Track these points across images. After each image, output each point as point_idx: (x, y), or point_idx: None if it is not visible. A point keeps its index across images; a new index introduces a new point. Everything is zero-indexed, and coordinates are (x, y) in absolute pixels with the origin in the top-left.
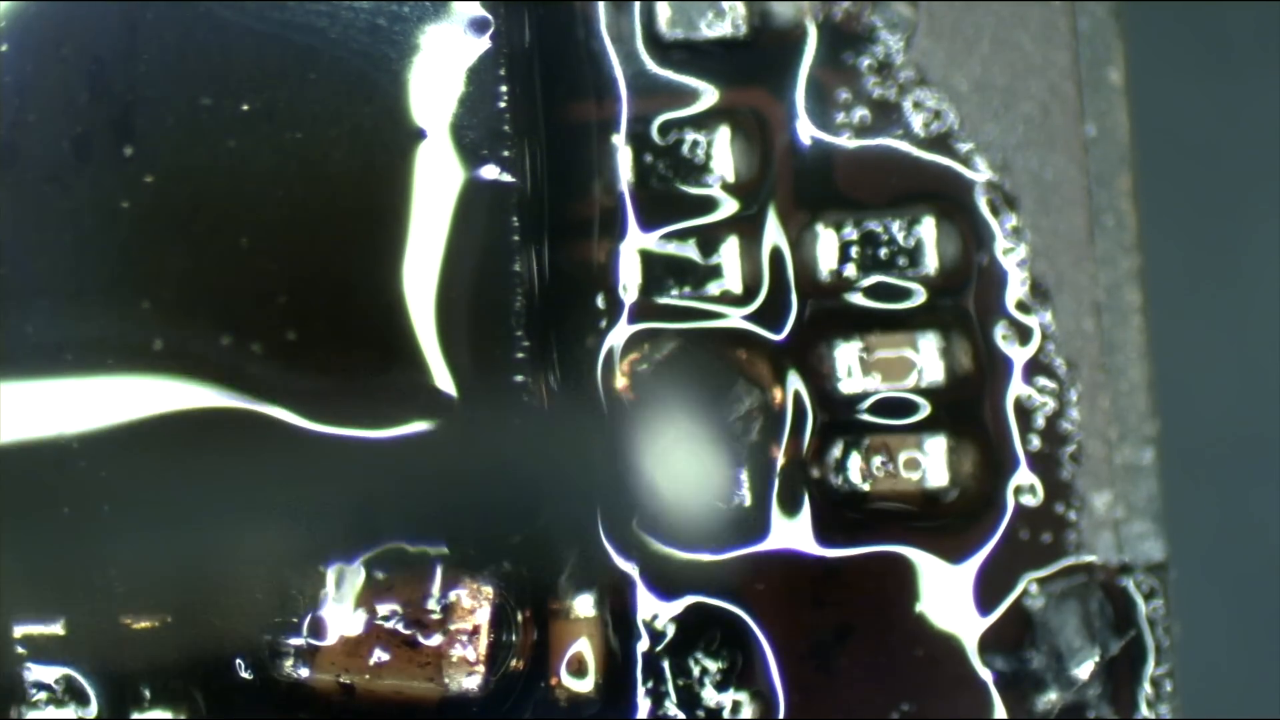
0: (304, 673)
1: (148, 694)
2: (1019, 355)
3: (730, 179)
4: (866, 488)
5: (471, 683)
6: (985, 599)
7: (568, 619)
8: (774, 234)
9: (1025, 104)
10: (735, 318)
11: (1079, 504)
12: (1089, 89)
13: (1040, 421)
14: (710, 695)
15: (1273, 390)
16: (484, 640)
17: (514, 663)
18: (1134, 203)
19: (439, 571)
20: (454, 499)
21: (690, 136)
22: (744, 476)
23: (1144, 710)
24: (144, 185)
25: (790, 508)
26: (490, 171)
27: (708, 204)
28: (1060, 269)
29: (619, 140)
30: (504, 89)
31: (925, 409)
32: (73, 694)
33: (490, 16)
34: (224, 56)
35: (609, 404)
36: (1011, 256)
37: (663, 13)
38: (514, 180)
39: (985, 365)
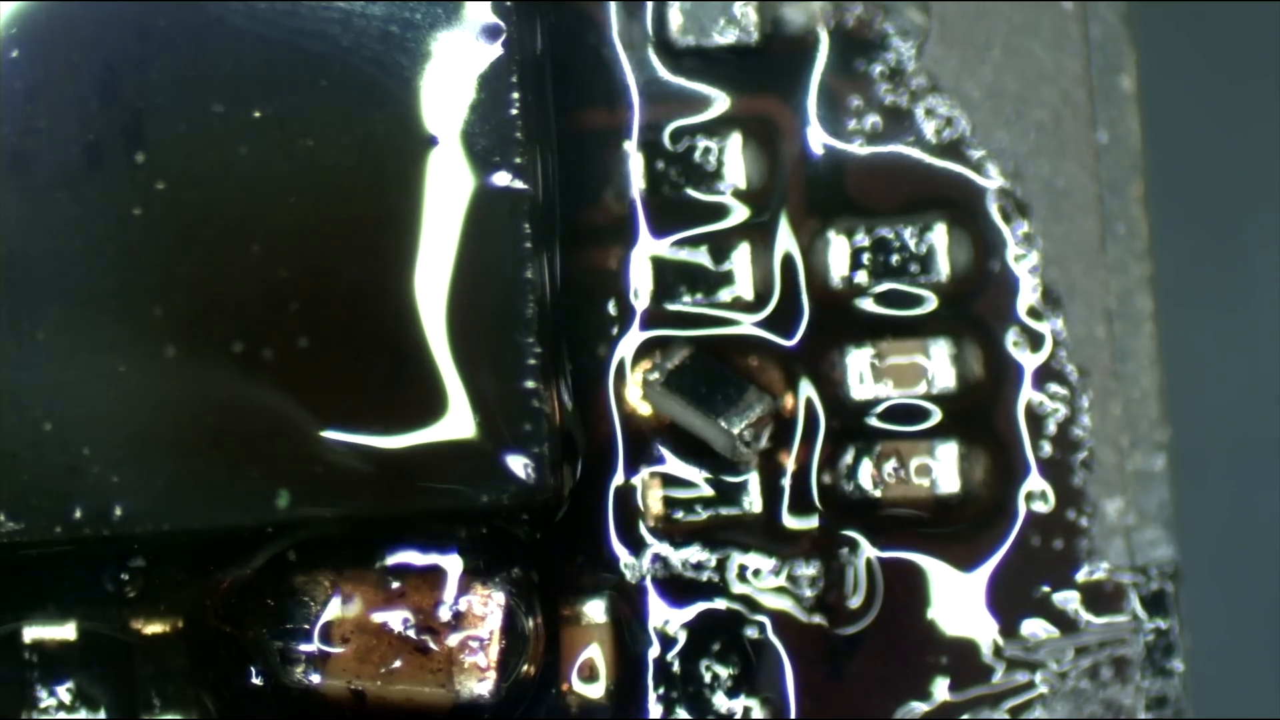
0: (315, 679)
1: (158, 700)
2: (1030, 362)
3: (742, 186)
4: (878, 494)
5: (483, 689)
6: (997, 606)
7: (579, 625)
8: (786, 240)
9: (1037, 111)
10: (747, 324)
11: (1090, 510)
12: (1100, 96)
13: (1052, 428)
14: (721, 701)
15: None
16: (495, 646)
17: (525, 669)
18: (1145, 210)
19: (450, 578)
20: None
21: (702, 143)
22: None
23: (1155, 713)
24: (155, 192)
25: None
26: (502, 178)
27: (719, 211)
28: (1072, 276)
29: (631, 147)
30: (516, 96)
31: (937, 415)
32: (83, 699)
33: (502, 23)
34: (235, 63)
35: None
36: (1023, 263)
37: (674, 19)
38: (526, 187)
39: (996, 372)
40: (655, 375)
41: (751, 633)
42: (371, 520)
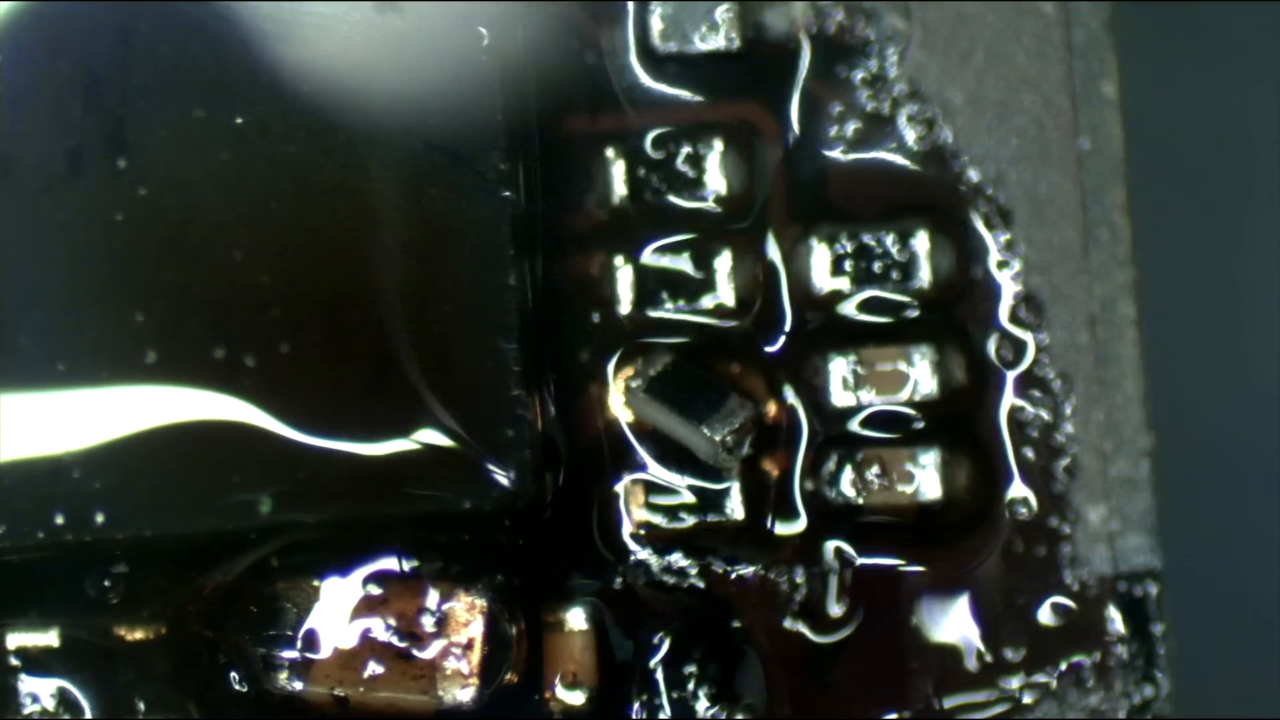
0: (298, 685)
1: (141, 706)
2: (1013, 368)
3: (724, 192)
4: (860, 501)
5: (465, 695)
6: (980, 613)
7: (561, 631)
8: (768, 247)
9: (1019, 117)
10: (729, 331)
11: (1074, 517)
12: (1083, 102)
13: (1034, 435)
14: (704, 707)
15: (1268, 403)
16: (478, 653)
17: (508, 675)
18: (1128, 216)
19: (433, 585)
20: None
21: (684, 149)
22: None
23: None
24: (138, 198)
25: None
26: (484, 185)
27: (701, 217)
28: (1055, 282)
29: (613, 154)
30: (498, 102)
31: (919, 422)
32: (66, 706)
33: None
34: (218, 69)
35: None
36: (1005, 270)
37: (656, 25)
38: (508, 194)
39: (979, 379)
40: (637, 382)
41: (733, 640)
42: (353, 526)
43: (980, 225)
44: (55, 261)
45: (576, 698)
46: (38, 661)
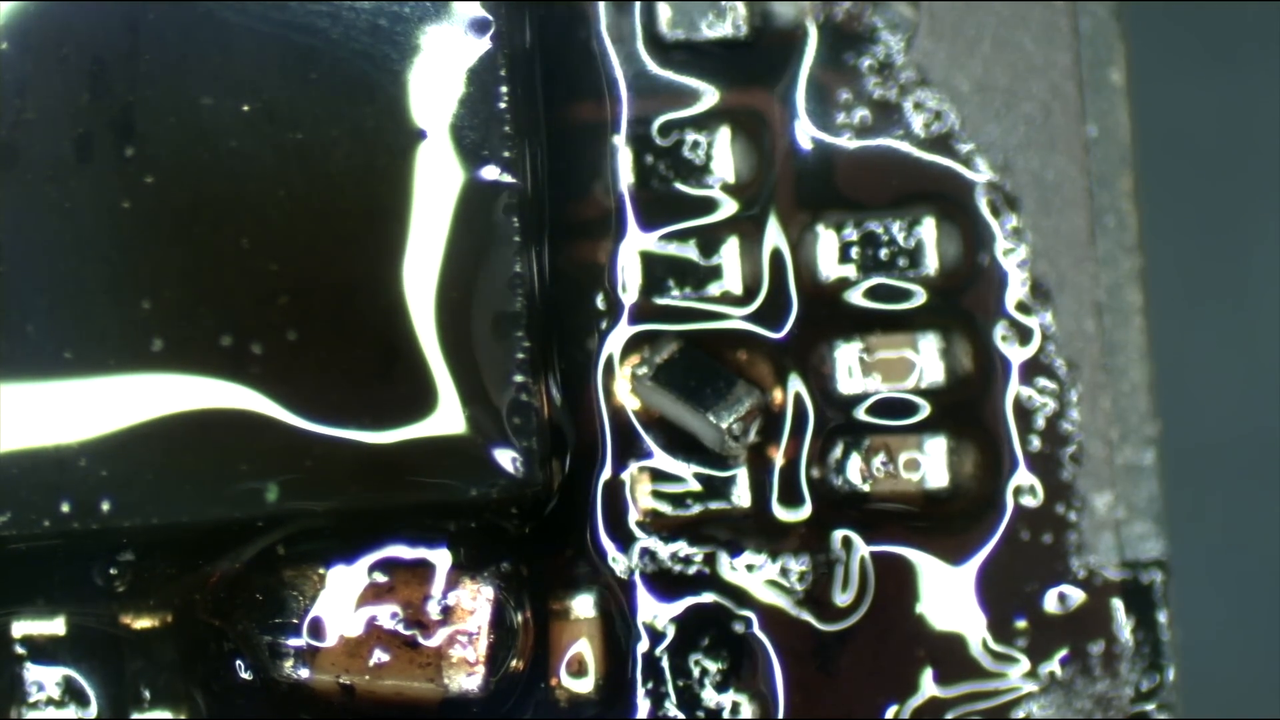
0: (304, 673)
1: (148, 694)
2: (1019, 356)
3: (731, 179)
4: (866, 488)
5: (471, 683)
6: (986, 600)
7: (568, 619)
8: (774, 235)
9: (1026, 104)
10: (736, 319)
11: (1080, 505)
12: (1090, 89)
13: (1041, 422)
14: (710, 696)
15: (1274, 391)
16: (484, 641)
17: (514, 663)
18: (1135, 203)
19: (439, 572)
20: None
21: (691, 137)
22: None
23: (1143, 709)
24: (145, 186)
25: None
26: (491, 172)
27: (708, 205)
28: (1061, 270)
29: (619, 141)
30: (504, 89)
31: (925, 410)
32: (72, 694)
33: (491, 17)
34: (225, 57)
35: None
36: (1012, 257)
37: (663, 13)
38: (514, 181)
39: (985, 366)
40: (644, 369)
41: (740, 628)
42: (360, 514)
43: (987, 213)
44: (62, 249)
45: (583, 685)
46: (44, 650)
